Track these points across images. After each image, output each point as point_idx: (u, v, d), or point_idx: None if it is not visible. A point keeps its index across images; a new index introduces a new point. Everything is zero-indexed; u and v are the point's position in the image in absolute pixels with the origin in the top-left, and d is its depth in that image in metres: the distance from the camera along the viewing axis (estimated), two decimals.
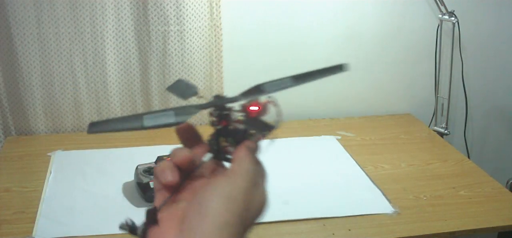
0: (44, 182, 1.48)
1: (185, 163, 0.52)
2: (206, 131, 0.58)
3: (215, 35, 1.83)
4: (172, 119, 0.54)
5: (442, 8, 1.91)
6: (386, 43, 2.01)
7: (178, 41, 1.79)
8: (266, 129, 0.57)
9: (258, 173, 0.53)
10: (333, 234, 1.29)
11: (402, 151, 1.75)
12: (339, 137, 1.83)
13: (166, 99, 1.86)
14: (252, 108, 0.58)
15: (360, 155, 1.69)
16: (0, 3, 1.65)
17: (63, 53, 1.76)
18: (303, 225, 1.32)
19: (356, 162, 1.65)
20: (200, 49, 1.83)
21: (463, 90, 2.07)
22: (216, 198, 0.48)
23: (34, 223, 1.29)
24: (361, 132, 1.89)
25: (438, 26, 1.99)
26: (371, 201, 1.44)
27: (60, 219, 1.31)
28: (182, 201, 0.51)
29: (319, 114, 2.03)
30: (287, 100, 2.21)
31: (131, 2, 1.75)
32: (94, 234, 1.26)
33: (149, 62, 1.81)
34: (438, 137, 1.92)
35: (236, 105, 0.58)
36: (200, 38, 1.81)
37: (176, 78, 1.82)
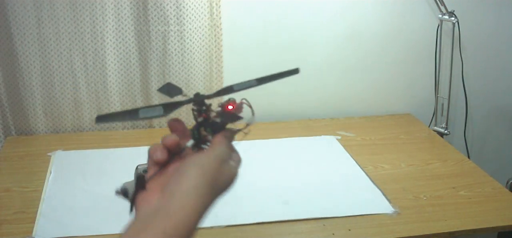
0: (44, 182, 1.48)
1: (173, 146, 0.65)
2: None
3: (215, 35, 1.83)
4: (160, 112, 0.70)
5: (442, 8, 1.91)
6: (386, 43, 2.01)
7: (178, 41, 1.79)
8: (236, 120, 0.73)
9: (227, 154, 0.67)
10: (333, 234, 1.29)
11: (402, 151, 1.75)
12: (339, 137, 1.83)
13: (165, 99, 1.85)
14: (228, 106, 0.74)
15: (360, 155, 1.69)
16: (0, 3, 1.66)
17: (63, 53, 1.76)
18: (303, 225, 1.32)
19: (356, 162, 1.65)
20: (200, 49, 1.83)
21: (463, 90, 2.07)
22: (192, 167, 0.62)
23: (34, 223, 1.29)
24: (361, 132, 1.89)
25: (438, 26, 1.99)
26: (371, 201, 1.44)
27: (60, 219, 1.31)
28: (167, 175, 0.63)
29: (319, 114, 2.03)
30: (287, 100, 2.22)
31: (131, 2, 1.75)
32: (94, 234, 1.26)
33: (149, 62, 1.81)
34: (438, 137, 1.92)
35: (215, 104, 0.72)
36: (200, 38, 1.81)
37: (176, 78, 1.82)
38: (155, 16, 1.76)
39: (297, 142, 1.80)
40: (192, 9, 1.77)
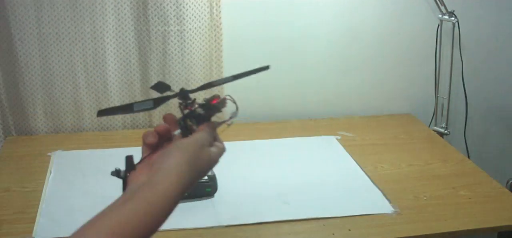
0: (44, 182, 1.48)
1: (163, 132, 0.77)
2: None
3: (215, 35, 1.83)
4: (151, 105, 0.81)
5: (442, 8, 1.91)
6: (386, 43, 2.01)
7: (178, 41, 1.79)
8: (218, 112, 0.83)
9: (207, 141, 0.77)
10: (333, 234, 1.29)
11: (402, 151, 1.75)
12: (339, 137, 1.83)
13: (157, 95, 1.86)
14: (213, 101, 0.83)
15: (360, 155, 1.69)
16: (0, 3, 1.66)
17: (63, 53, 1.76)
18: (303, 225, 1.32)
19: (356, 162, 1.65)
20: (200, 49, 1.83)
21: (463, 90, 2.07)
22: (175, 149, 0.73)
23: (34, 223, 1.29)
24: (361, 132, 1.89)
25: (438, 26, 1.99)
26: (371, 201, 1.44)
27: (60, 219, 1.31)
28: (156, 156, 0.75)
29: (319, 114, 2.02)
30: (287, 100, 2.22)
31: (131, 2, 1.75)
32: None
33: (149, 62, 1.81)
34: (438, 137, 1.92)
35: (201, 99, 0.83)
36: (200, 38, 1.81)
37: (176, 78, 1.82)
38: (155, 16, 1.76)
39: (297, 142, 1.80)
40: (192, 9, 1.77)
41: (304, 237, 1.29)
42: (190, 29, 1.78)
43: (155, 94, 0.87)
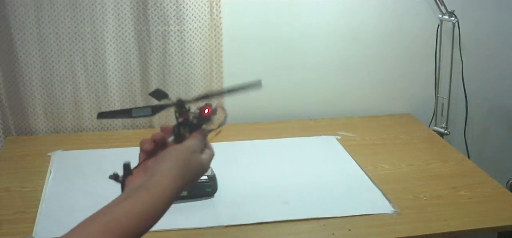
0: (44, 182, 1.48)
1: (159, 140, 0.82)
2: None
3: (215, 35, 1.83)
4: (149, 112, 0.88)
5: (442, 8, 1.91)
6: (386, 43, 2.01)
7: (178, 41, 1.79)
8: (209, 122, 0.88)
9: (198, 147, 0.83)
10: (333, 234, 1.29)
11: (402, 151, 1.75)
12: (339, 137, 1.83)
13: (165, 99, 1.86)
14: (205, 110, 0.88)
15: (360, 155, 1.69)
16: (0, 3, 1.66)
17: (63, 53, 1.76)
18: (303, 225, 1.32)
19: (356, 162, 1.65)
20: (200, 49, 1.83)
21: (463, 90, 2.07)
22: (168, 154, 0.79)
23: (34, 223, 1.29)
24: (361, 132, 1.89)
25: (438, 26, 1.99)
26: (371, 201, 1.44)
27: (60, 219, 1.31)
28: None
29: (319, 114, 2.02)
30: (287, 100, 2.22)
31: (131, 2, 1.75)
32: None
33: (149, 62, 1.81)
34: (438, 137, 1.92)
35: (195, 107, 0.88)
36: (200, 38, 1.81)
37: (176, 78, 1.82)
38: (155, 16, 1.76)
39: (297, 142, 1.80)
40: (192, 9, 1.77)
41: (304, 237, 1.29)
42: (190, 29, 1.78)
43: (154, 99, 0.90)
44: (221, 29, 1.83)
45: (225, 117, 0.91)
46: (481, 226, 1.34)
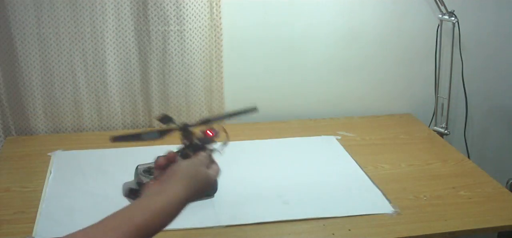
0: (44, 182, 1.48)
1: (171, 157, 0.94)
2: None
3: (215, 35, 1.83)
4: (157, 136, 1.00)
5: (442, 8, 1.91)
6: (386, 43, 2.01)
7: (178, 41, 1.79)
8: (212, 143, 0.99)
9: (204, 164, 0.95)
10: (333, 234, 1.29)
11: (402, 151, 1.75)
12: (339, 137, 1.83)
13: (165, 99, 1.86)
14: (208, 132, 0.99)
15: (360, 155, 1.69)
16: (0, 3, 1.66)
17: (63, 53, 1.76)
18: (303, 225, 1.32)
19: (356, 162, 1.65)
20: (200, 49, 1.83)
21: (463, 90, 2.07)
22: (179, 166, 0.92)
23: (34, 223, 1.29)
24: (361, 132, 1.89)
25: (438, 26, 1.99)
26: (371, 201, 1.44)
27: (60, 219, 1.31)
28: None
29: (319, 114, 2.03)
30: (287, 100, 2.21)
31: (131, 2, 1.75)
32: None
33: (149, 62, 1.81)
34: (438, 137, 1.92)
35: (198, 130, 0.99)
36: (200, 38, 1.81)
37: (176, 78, 1.83)
38: (155, 16, 1.76)
39: (297, 142, 1.81)
40: (192, 9, 1.77)
41: (304, 237, 1.29)
42: (190, 29, 1.78)
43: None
44: (221, 29, 1.83)
45: (227, 139, 1.03)
46: (481, 226, 1.34)
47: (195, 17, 1.78)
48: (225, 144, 1.02)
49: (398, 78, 2.07)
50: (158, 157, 0.94)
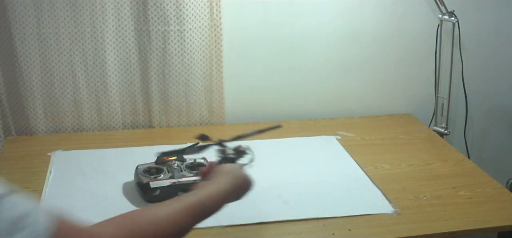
0: (44, 182, 1.48)
1: (212, 166, 1.09)
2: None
3: (215, 35, 1.83)
4: (198, 151, 1.23)
5: (442, 8, 1.91)
6: (386, 43, 2.01)
7: (178, 41, 1.79)
8: (243, 157, 1.21)
9: (239, 170, 1.10)
10: (333, 234, 1.29)
11: (402, 151, 1.75)
12: (339, 137, 1.83)
13: (165, 99, 1.86)
14: (239, 148, 1.21)
15: (360, 155, 1.69)
16: (0, 3, 1.66)
17: (63, 53, 1.76)
18: (303, 225, 1.32)
19: (356, 162, 1.65)
20: (200, 49, 1.83)
21: (463, 90, 2.07)
22: (224, 166, 1.09)
23: None
24: (361, 132, 1.89)
25: (438, 26, 1.99)
26: (371, 201, 1.44)
27: None
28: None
29: (319, 114, 2.03)
30: (287, 100, 2.21)
31: (131, 2, 1.75)
32: None
33: (149, 62, 1.81)
34: (438, 137, 1.92)
35: (230, 146, 1.21)
36: (200, 38, 1.81)
37: (176, 78, 1.83)
38: (155, 16, 1.76)
39: (297, 142, 1.80)
40: (192, 9, 1.77)
41: (304, 237, 1.29)
42: (190, 29, 1.78)
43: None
44: (221, 29, 1.83)
45: (253, 156, 1.22)
46: (481, 226, 1.34)
47: (195, 17, 1.78)
48: (252, 160, 1.21)
49: (398, 78, 2.07)
50: (203, 168, 1.12)
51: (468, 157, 2.01)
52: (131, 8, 1.75)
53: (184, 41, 1.79)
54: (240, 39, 1.90)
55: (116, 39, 1.78)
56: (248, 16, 1.88)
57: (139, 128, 1.90)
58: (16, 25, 1.69)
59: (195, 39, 1.81)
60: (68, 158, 1.64)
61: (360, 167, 1.62)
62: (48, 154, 1.66)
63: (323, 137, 1.84)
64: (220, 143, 1.19)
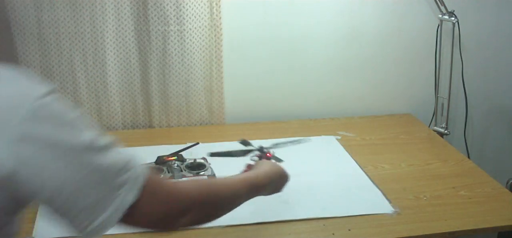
0: None
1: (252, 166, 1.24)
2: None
3: (215, 35, 1.83)
4: (243, 154, 1.42)
5: (442, 8, 1.91)
6: (386, 43, 2.01)
7: (178, 41, 1.79)
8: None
9: (276, 164, 1.25)
10: (333, 234, 1.29)
11: (402, 151, 1.75)
12: (339, 137, 1.83)
13: (165, 99, 1.86)
14: (267, 154, 1.42)
15: (360, 155, 1.69)
16: (0, 3, 1.66)
17: (63, 53, 1.76)
18: (303, 225, 1.32)
19: (356, 162, 1.65)
20: (200, 49, 1.83)
21: (463, 90, 2.07)
22: (263, 161, 1.27)
23: (34, 223, 1.29)
24: (361, 132, 1.89)
25: (438, 26, 1.99)
26: (371, 201, 1.44)
27: None
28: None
29: (319, 114, 2.03)
30: (287, 100, 2.21)
31: (131, 2, 1.75)
32: None
33: (149, 62, 1.81)
34: (438, 137, 1.92)
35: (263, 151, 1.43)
36: (200, 38, 1.81)
37: (176, 78, 1.82)
38: (155, 16, 1.76)
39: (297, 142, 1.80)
40: (192, 9, 1.77)
41: (304, 237, 1.29)
42: (190, 29, 1.78)
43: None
44: (221, 29, 1.83)
45: (279, 160, 1.42)
46: (481, 226, 1.34)
47: (195, 17, 1.78)
48: (281, 161, 1.41)
49: (398, 78, 2.07)
50: (247, 163, 1.28)
51: (468, 157, 2.01)
52: (131, 8, 1.75)
53: (184, 41, 1.79)
54: (240, 39, 1.90)
55: (116, 39, 1.78)
56: (248, 16, 1.88)
57: (139, 128, 1.90)
58: (16, 25, 1.69)
59: (195, 39, 1.81)
60: None
61: (360, 167, 1.62)
62: None
63: (323, 137, 1.84)
64: (260, 148, 1.43)
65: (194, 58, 1.82)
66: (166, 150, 1.60)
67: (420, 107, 2.10)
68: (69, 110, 0.72)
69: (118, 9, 1.74)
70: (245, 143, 1.45)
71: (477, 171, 1.62)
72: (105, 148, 0.75)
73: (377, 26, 1.98)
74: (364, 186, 1.52)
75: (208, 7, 1.79)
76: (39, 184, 0.69)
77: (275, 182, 1.16)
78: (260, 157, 1.38)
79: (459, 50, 2.02)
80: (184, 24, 1.77)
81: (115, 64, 1.80)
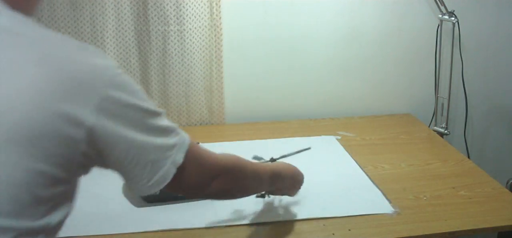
0: None
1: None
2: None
3: (215, 35, 1.83)
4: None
5: (442, 8, 1.91)
6: (386, 43, 2.01)
7: (178, 41, 1.79)
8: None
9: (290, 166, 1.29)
10: (333, 234, 1.29)
11: (402, 151, 1.75)
12: (339, 137, 1.83)
13: (165, 99, 1.86)
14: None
15: (360, 155, 1.69)
16: None
17: None
18: (303, 225, 1.32)
19: (356, 162, 1.65)
20: (200, 49, 1.83)
21: (463, 90, 2.07)
22: (278, 162, 1.41)
23: None
24: (361, 132, 1.89)
25: (438, 26, 1.99)
26: (371, 201, 1.44)
27: None
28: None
29: (319, 114, 2.03)
30: (287, 100, 2.21)
31: (131, 2, 1.75)
32: (94, 234, 1.26)
33: (149, 62, 1.81)
34: (438, 137, 1.92)
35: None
36: (200, 38, 1.81)
37: (176, 78, 1.82)
38: (155, 16, 1.76)
39: (297, 142, 1.80)
40: (192, 9, 1.77)
41: (304, 237, 1.29)
42: (190, 29, 1.78)
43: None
44: (221, 29, 1.83)
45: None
46: (481, 226, 1.34)
47: (195, 17, 1.78)
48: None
49: (398, 78, 2.07)
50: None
51: (468, 157, 2.01)
52: (131, 8, 1.75)
53: (184, 41, 1.79)
54: (240, 39, 1.90)
55: (116, 39, 1.78)
56: (248, 16, 1.88)
57: None
58: None
59: (195, 39, 1.81)
60: None
61: (360, 167, 1.62)
62: None
63: (323, 137, 1.84)
64: (272, 159, 1.49)
65: (194, 58, 1.83)
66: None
67: (420, 107, 2.11)
68: (133, 82, 0.83)
69: (118, 9, 1.74)
70: (257, 158, 1.51)
71: (477, 171, 1.62)
72: (160, 114, 0.87)
73: (377, 26, 1.98)
74: (364, 186, 1.52)
75: (208, 7, 1.79)
76: (112, 142, 0.79)
77: (293, 178, 1.25)
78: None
79: (459, 50, 2.02)
80: (184, 24, 1.77)
81: None
